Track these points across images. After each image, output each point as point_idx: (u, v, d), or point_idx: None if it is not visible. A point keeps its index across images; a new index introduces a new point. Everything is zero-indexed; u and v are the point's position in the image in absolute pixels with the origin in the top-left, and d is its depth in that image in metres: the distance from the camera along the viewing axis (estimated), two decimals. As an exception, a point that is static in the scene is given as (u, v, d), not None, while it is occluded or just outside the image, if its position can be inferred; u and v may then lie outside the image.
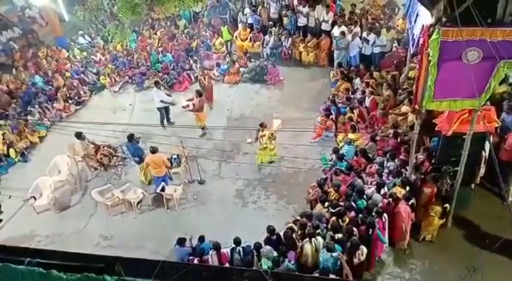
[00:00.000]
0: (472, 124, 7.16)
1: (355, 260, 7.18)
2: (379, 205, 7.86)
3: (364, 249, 7.22)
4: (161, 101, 12.36)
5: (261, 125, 10.82)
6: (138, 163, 10.85)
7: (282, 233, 7.73)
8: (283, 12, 15.61)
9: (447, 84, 6.56)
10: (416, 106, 7.46)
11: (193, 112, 12.09)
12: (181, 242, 8.02)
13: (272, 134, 10.65)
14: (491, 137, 8.54)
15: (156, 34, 17.17)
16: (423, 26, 6.74)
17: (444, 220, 8.19)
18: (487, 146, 8.29)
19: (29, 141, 12.59)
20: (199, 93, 12.16)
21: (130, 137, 10.67)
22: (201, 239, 8.11)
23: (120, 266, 0.69)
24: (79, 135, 10.90)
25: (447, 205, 8.02)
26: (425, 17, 6.93)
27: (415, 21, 8.15)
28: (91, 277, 0.59)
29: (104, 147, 11.17)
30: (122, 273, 0.64)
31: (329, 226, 7.71)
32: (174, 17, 17.77)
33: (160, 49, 16.13)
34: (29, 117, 13.24)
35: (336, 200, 8.43)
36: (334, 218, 7.84)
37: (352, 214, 7.86)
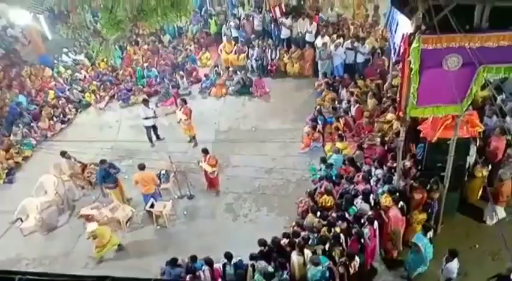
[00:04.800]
0: (456, 129, 7.26)
1: (351, 271, 7.16)
2: (368, 214, 7.87)
3: (357, 259, 7.21)
4: (146, 118, 12.28)
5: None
6: (100, 186, 10.63)
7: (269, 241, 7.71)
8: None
9: (430, 91, 6.66)
10: (401, 113, 7.54)
11: (185, 122, 12.05)
12: (173, 262, 7.88)
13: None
14: (477, 141, 8.74)
15: (140, 50, 17.19)
16: (403, 34, 6.85)
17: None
18: (473, 151, 8.45)
19: (14, 162, 12.39)
20: (184, 101, 12.27)
21: (101, 162, 10.28)
22: (194, 258, 7.94)
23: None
24: (64, 154, 10.77)
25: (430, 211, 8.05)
26: (405, 25, 7.06)
27: (396, 30, 8.29)
28: None
29: (90, 165, 11.05)
30: None
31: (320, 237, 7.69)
32: (158, 33, 17.84)
33: (145, 64, 16.13)
34: (12, 137, 13.08)
35: (329, 205, 8.44)
36: (325, 228, 7.84)
37: (344, 224, 7.84)
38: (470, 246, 8.25)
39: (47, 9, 15.05)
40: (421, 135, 8.10)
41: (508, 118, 9.50)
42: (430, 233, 7.60)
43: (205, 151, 10.37)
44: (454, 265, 6.94)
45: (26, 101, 14.63)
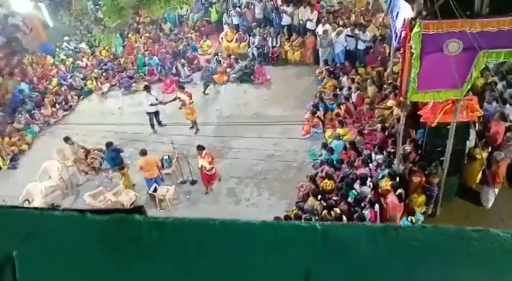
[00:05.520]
0: (456, 114, 7.37)
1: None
2: (369, 196, 8.03)
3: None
4: (151, 105, 12.38)
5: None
6: (112, 171, 10.76)
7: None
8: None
9: (430, 76, 6.77)
10: (401, 98, 7.65)
11: (188, 105, 12.17)
12: None
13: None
14: (476, 126, 8.87)
15: (141, 38, 17.21)
16: (404, 20, 6.94)
17: (425, 207, 8.37)
18: (472, 136, 8.58)
19: (18, 148, 12.53)
20: (181, 87, 12.49)
21: (108, 145, 10.55)
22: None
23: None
24: (67, 140, 10.91)
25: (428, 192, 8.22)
26: (406, 11, 7.14)
27: (397, 16, 8.36)
28: (122, 216, 0.65)
29: (94, 150, 11.18)
30: (146, 213, 0.72)
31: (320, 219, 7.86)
32: (159, 21, 17.83)
33: (146, 52, 16.17)
34: (15, 124, 13.20)
35: (330, 189, 8.60)
36: (325, 211, 8.00)
37: (345, 206, 8.02)
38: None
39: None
40: (421, 120, 8.21)
41: (507, 105, 9.62)
42: (413, 218, 7.75)
43: (200, 148, 10.15)
44: None
45: (28, 89, 14.72)
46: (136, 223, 0.81)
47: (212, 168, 10.16)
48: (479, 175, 8.75)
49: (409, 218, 7.65)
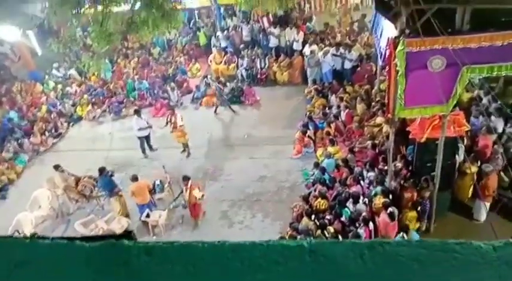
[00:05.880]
0: (444, 129, 7.48)
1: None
2: (364, 214, 8.02)
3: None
4: (139, 129, 12.37)
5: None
6: (109, 196, 10.50)
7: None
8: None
9: (416, 92, 6.89)
10: (389, 115, 7.74)
11: (179, 128, 12.16)
12: None
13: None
14: (465, 141, 8.99)
15: (130, 63, 17.34)
16: (388, 38, 7.10)
17: (419, 223, 8.37)
18: (461, 150, 8.68)
19: (7, 178, 12.36)
20: (172, 110, 12.53)
21: (101, 171, 10.41)
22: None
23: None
24: (57, 168, 10.80)
25: (419, 208, 8.23)
26: (389, 30, 7.31)
27: (381, 35, 8.56)
28: (111, 242, 0.65)
29: (84, 178, 11.06)
30: (136, 238, 0.72)
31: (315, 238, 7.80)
32: (148, 45, 18.03)
33: (136, 77, 16.26)
34: (4, 153, 13.06)
35: (324, 208, 8.57)
36: (319, 231, 7.96)
37: (339, 224, 7.99)
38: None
39: (36, 25, 15.21)
40: (410, 136, 8.31)
41: (493, 117, 9.78)
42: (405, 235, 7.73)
43: (186, 178, 9.88)
44: None
45: (17, 117, 14.64)
46: (125, 247, 0.81)
47: (203, 195, 9.89)
48: (471, 189, 8.81)
49: (402, 235, 7.63)
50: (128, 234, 0.86)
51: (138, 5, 8.81)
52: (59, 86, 16.51)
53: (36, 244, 0.85)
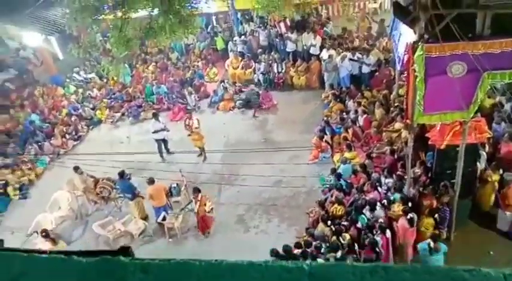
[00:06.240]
0: (464, 136, 7.30)
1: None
2: (380, 220, 7.88)
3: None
4: (154, 132, 12.47)
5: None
6: (131, 199, 10.60)
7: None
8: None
9: (436, 98, 6.75)
10: (408, 121, 7.61)
11: (195, 130, 12.28)
12: None
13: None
14: (486, 148, 8.76)
15: (148, 68, 17.56)
16: (407, 43, 6.99)
17: (437, 230, 8.17)
18: (483, 157, 8.46)
19: (28, 179, 12.64)
20: (189, 113, 12.67)
21: (121, 174, 10.56)
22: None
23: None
24: (77, 169, 11.00)
25: (436, 216, 8.04)
26: (408, 35, 7.20)
27: (399, 40, 8.44)
28: (107, 258, 0.65)
29: (103, 180, 11.22)
30: (133, 254, 0.71)
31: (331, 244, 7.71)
32: (166, 50, 18.22)
33: (154, 81, 16.45)
34: (26, 154, 13.38)
35: (340, 214, 8.47)
36: (334, 237, 7.86)
37: (355, 231, 7.87)
38: (485, 253, 8.17)
39: (58, 30, 15.58)
40: (430, 142, 8.14)
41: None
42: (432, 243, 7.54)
43: (196, 190, 9.79)
44: None
45: (39, 120, 14.98)
46: (121, 264, 0.80)
47: (212, 209, 9.82)
48: (493, 198, 8.58)
49: (429, 243, 7.44)
50: (125, 249, 0.84)
51: (156, 11, 8.91)
52: (80, 90, 16.82)
53: (34, 258, 0.85)
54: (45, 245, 9.25)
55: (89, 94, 16.62)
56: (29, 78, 17.56)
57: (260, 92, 14.96)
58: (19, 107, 15.51)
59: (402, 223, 7.82)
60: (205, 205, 9.65)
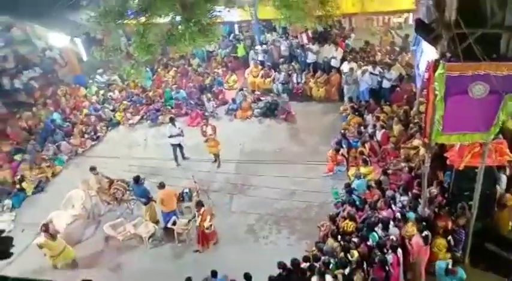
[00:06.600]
0: (484, 157, 7.11)
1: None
2: (392, 238, 7.71)
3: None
4: (170, 136, 12.55)
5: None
6: (145, 204, 10.63)
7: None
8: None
9: (455, 118, 6.58)
10: (426, 139, 7.46)
11: (211, 137, 12.32)
12: None
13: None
14: (507, 171, 8.50)
15: (169, 72, 17.76)
16: (428, 61, 6.87)
17: (450, 254, 7.93)
18: (503, 180, 8.21)
19: (45, 176, 12.88)
20: (206, 120, 12.77)
21: (137, 179, 10.62)
22: (214, 274, 8.03)
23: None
24: (93, 169, 11.16)
25: (450, 237, 7.82)
26: (430, 52, 7.08)
27: (421, 56, 8.32)
28: None
29: (117, 181, 11.33)
30: None
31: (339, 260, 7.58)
32: (187, 56, 18.41)
33: (174, 86, 16.61)
34: (45, 152, 13.65)
35: (351, 230, 8.34)
36: (342, 253, 7.73)
37: (365, 248, 7.72)
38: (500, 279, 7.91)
39: (84, 33, 15.93)
40: (448, 162, 7.95)
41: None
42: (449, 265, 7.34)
43: (199, 204, 9.71)
44: None
45: (60, 119, 15.28)
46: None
47: (211, 225, 9.67)
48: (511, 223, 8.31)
49: (447, 265, 7.24)
50: None
51: (178, 18, 9.00)
52: (101, 91, 17.11)
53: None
54: (40, 239, 9.42)
55: (110, 96, 16.88)
56: (54, 77, 17.95)
57: (279, 101, 14.95)
58: (42, 105, 15.85)
59: (417, 240, 7.64)
60: (205, 220, 9.50)
